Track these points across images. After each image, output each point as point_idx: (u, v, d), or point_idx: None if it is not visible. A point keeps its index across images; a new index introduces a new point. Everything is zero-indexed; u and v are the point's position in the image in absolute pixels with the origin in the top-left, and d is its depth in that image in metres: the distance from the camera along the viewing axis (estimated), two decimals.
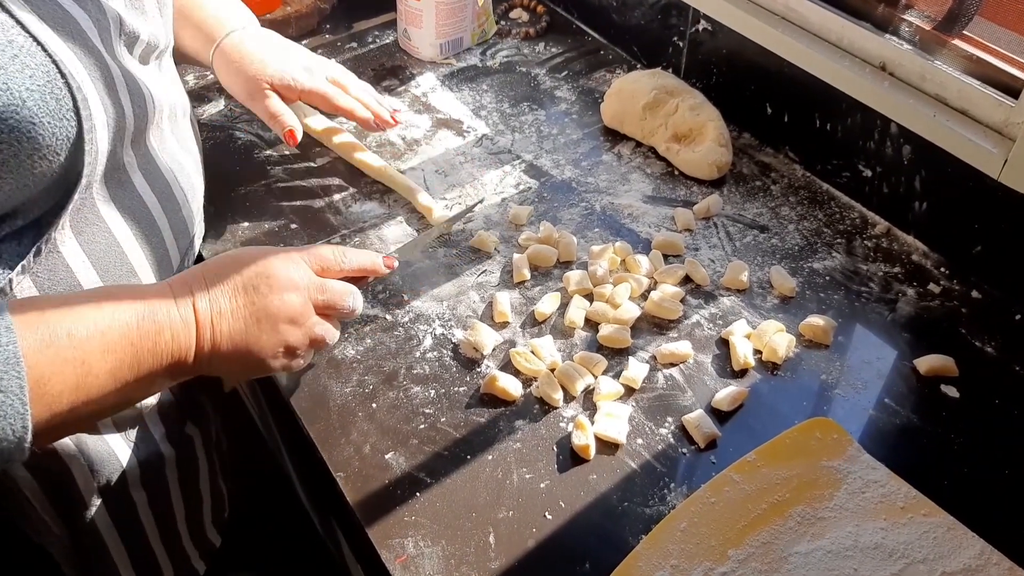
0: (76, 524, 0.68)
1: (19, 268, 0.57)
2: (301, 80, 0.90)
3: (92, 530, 0.69)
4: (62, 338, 0.52)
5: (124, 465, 0.71)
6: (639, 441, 0.72)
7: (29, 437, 0.49)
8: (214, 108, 1.09)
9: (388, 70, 1.17)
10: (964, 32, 0.87)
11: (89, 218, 0.62)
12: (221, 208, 0.93)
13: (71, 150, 0.56)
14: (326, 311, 0.67)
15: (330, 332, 0.68)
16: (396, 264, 0.74)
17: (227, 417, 0.95)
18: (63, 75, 0.55)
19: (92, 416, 0.55)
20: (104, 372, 0.54)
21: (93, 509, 0.69)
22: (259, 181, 0.98)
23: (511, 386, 0.75)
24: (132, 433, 0.72)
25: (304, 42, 1.22)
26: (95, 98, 0.58)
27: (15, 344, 0.48)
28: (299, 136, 0.88)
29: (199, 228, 0.80)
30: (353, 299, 0.69)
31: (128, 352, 0.55)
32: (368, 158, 0.98)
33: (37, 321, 0.51)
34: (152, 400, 0.74)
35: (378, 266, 0.72)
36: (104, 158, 0.61)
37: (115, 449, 0.70)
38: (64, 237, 0.60)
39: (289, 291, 0.64)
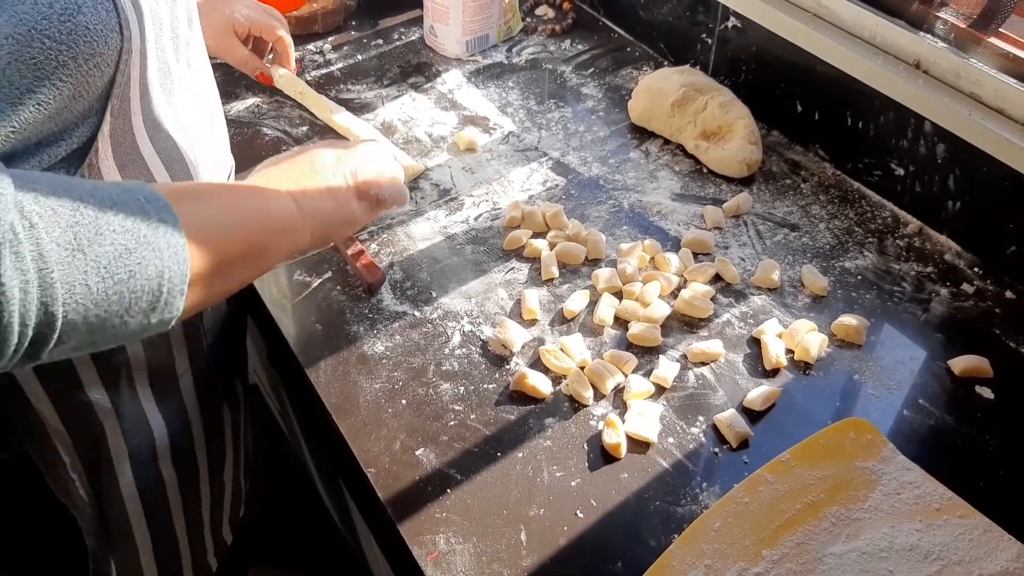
0: (103, 490, 0.68)
1: None
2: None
3: (118, 500, 0.70)
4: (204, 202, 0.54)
5: (156, 435, 0.71)
6: (670, 440, 0.72)
7: (186, 286, 0.49)
8: (241, 104, 1.09)
9: (414, 67, 1.17)
10: (1000, 30, 0.86)
11: (130, 154, 0.63)
12: None
13: (117, 66, 0.58)
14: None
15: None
16: None
17: (250, 414, 0.95)
18: None
19: (236, 280, 0.57)
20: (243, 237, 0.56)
21: (122, 478, 0.69)
22: None
23: (541, 384, 0.74)
24: (168, 403, 0.72)
25: (330, 39, 1.22)
26: (134, 22, 0.58)
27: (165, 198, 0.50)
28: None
29: (231, 165, 0.82)
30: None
31: (254, 216, 0.58)
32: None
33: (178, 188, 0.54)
34: (187, 367, 0.75)
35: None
36: (137, 85, 0.62)
37: (149, 416, 0.70)
38: (107, 168, 0.61)
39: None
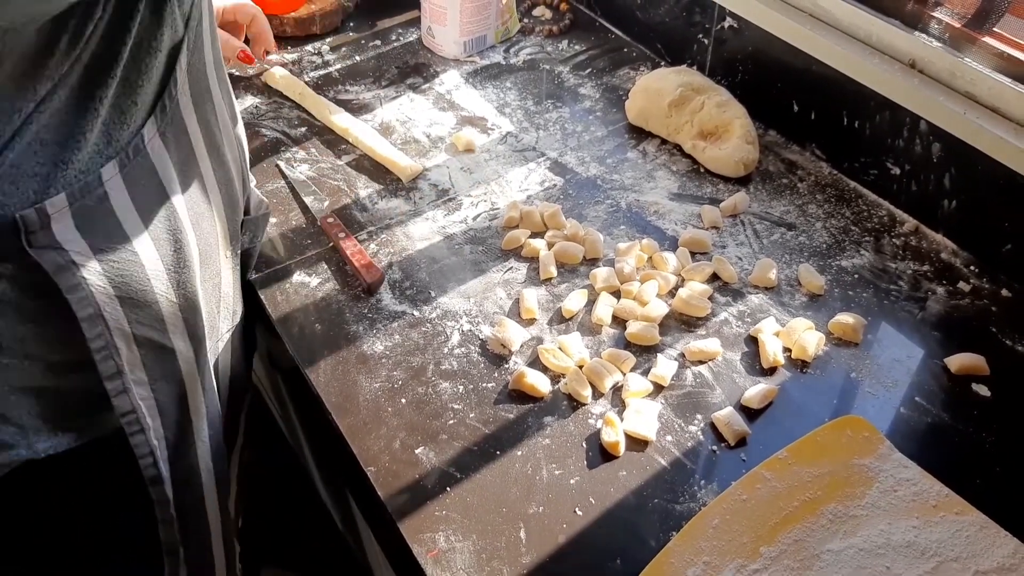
0: (181, 460, 0.68)
1: (117, 162, 0.58)
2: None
3: (195, 471, 0.70)
4: None
5: (223, 395, 0.73)
6: (668, 438, 0.72)
7: None
8: (240, 106, 1.09)
9: (412, 68, 1.18)
10: (994, 29, 0.86)
11: (177, 126, 0.64)
12: None
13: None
14: None
15: None
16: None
17: (250, 418, 0.95)
18: None
19: None
20: None
21: (199, 444, 0.70)
22: (284, 178, 0.98)
23: (539, 382, 0.75)
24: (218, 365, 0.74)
25: (328, 39, 1.22)
26: None
27: None
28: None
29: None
30: None
31: None
32: (340, 120, 1.05)
33: None
34: (229, 328, 0.77)
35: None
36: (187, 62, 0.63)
37: (217, 375, 0.72)
38: (154, 146, 0.61)
39: None
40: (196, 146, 0.67)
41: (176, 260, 0.65)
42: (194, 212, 0.67)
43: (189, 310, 0.67)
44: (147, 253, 0.61)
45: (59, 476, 0.64)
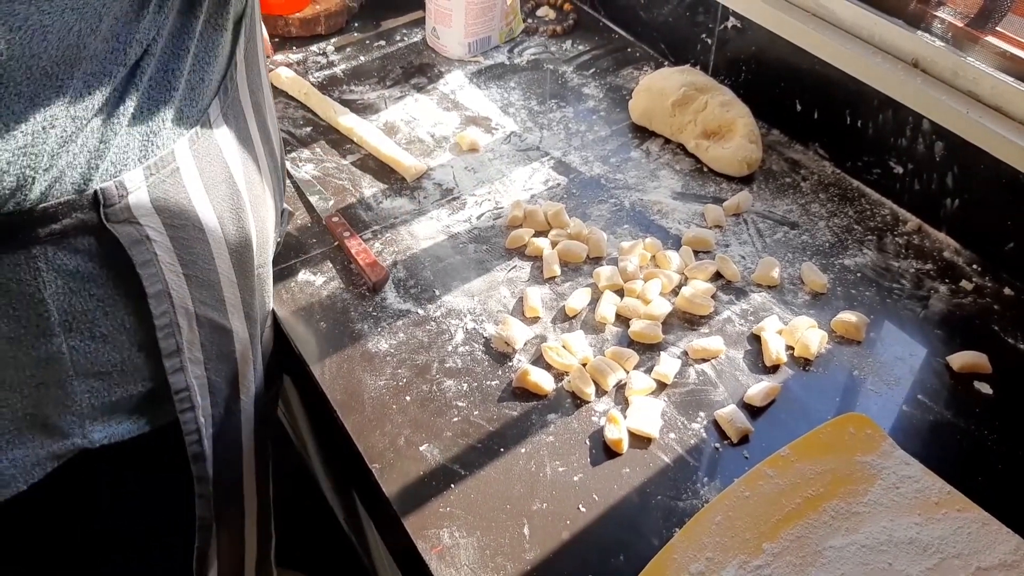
0: (224, 439, 0.69)
1: (188, 138, 0.59)
2: None
3: (235, 451, 0.71)
4: None
5: (265, 381, 0.74)
6: (672, 435, 0.72)
7: None
8: None
9: (416, 68, 1.18)
10: (997, 28, 0.86)
11: (236, 107, 0.65)
12: None
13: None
14: None
15: None
16: None
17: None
18: None
19: None
20: None
21: (244, 425, 0.71)
22: (289, 178, 0.99)
23: (543, 380, 0.75)
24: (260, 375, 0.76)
25: (333, 40, 1.23)
26: None
27: None
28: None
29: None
30: None
31: None
32: (346, 121, 1.05)
33: None
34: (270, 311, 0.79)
35: None
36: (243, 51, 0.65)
37: (265, 358, 0.73)
38: (219, 125, 0.63)
39: None
40: (251, 129, 0.68)
41: (239, 241, 0.66)
42: (252, 194, 0.69)
43: (248, 290, 0.68)
44: (213, 232, 0.63)
45: (111, 466, 0.65)
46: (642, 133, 1.07)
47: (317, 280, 0.86)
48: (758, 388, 0.75)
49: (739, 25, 1.07)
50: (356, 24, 1.27)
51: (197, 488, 0.67)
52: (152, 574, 0.71)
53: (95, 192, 0.54)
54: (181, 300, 0.61)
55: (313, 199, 0.95)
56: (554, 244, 0.90)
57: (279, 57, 1.18)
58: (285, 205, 0.86)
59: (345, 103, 1.10)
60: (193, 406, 0.64)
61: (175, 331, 0.61)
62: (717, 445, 0.72)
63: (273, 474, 0.90)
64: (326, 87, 1.13)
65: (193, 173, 0.60)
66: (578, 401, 0.75)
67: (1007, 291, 0.86)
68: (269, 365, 0.82)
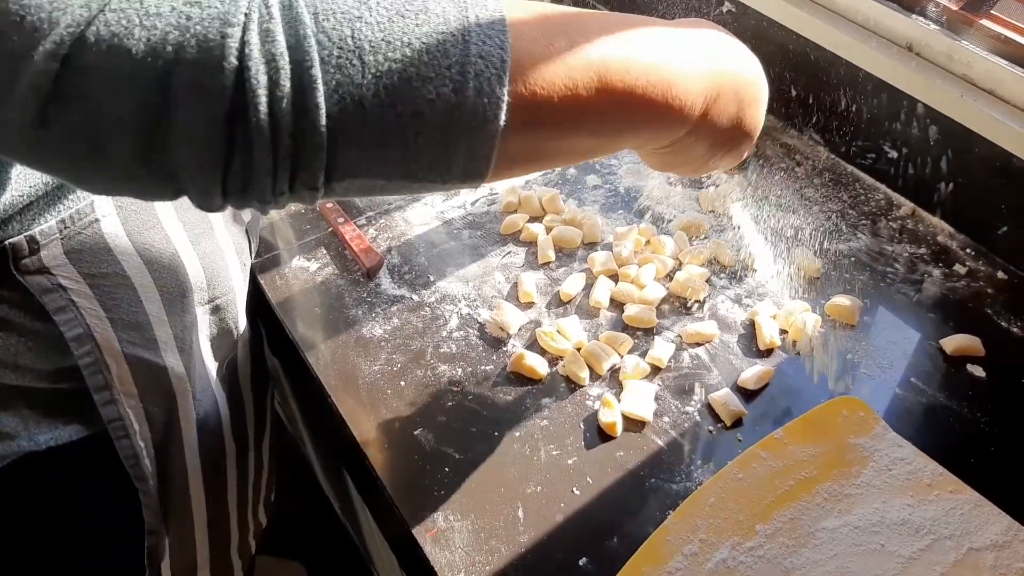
0: (168, 461, 0.68)
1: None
2: None
3: (181, 471, 0.70)
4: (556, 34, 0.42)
5: (219, 404, 0.72)
6: (665, 419, 0.73)
7: (498, 131, 0.38)
8: None
9: None
10: (991, 12, 0.86)
11: None
12: None
13: None
14: None
15: None
16: None
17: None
18: None
19: (554, 149, 0.44)
20: (589, 94, 0.42)
21: (187, 450, 0.70)
22: None
23: (538, 364, 0.75)
24: (226, 367, 0.74)
25: None
26: None
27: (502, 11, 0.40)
28: None
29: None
30: None
31: (628, 80, 0.43)
32: None
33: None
34: (246, 326, 0.76)
35: None
36: None
37: (212, 383, 0.71)
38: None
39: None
40: None
41: (172, 282, 0.65)
42: (195, 233, 0.68)
43: (184, 327, 0.67)
44: (139, 277, 0.62)
45: (59, 468, 0.65)
46: None
47: (311, 266, 0.86)
48: (751, 371, 0.75)
49: (734, 10, 1.06)
50: None
51: (143, 499, 0.66)
52: (106, 571, 0.71)
53: (4, 247, 0.53)
54: (107, 341, 0.60)
55: None
56: (549, 230, 0.90)
57: None
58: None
59: None
60: (128, 434, 0.63)
61: (102, 368, 0.60)
62: (711, 428, 0.72)
63: (269, 464, 0.91)
64: None
65: (115, 222, 0.59)
66: (572, 385, 0.75)
67: (1000, 275, 0.86)
68: (257, 369, 0.82)
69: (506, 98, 0.38)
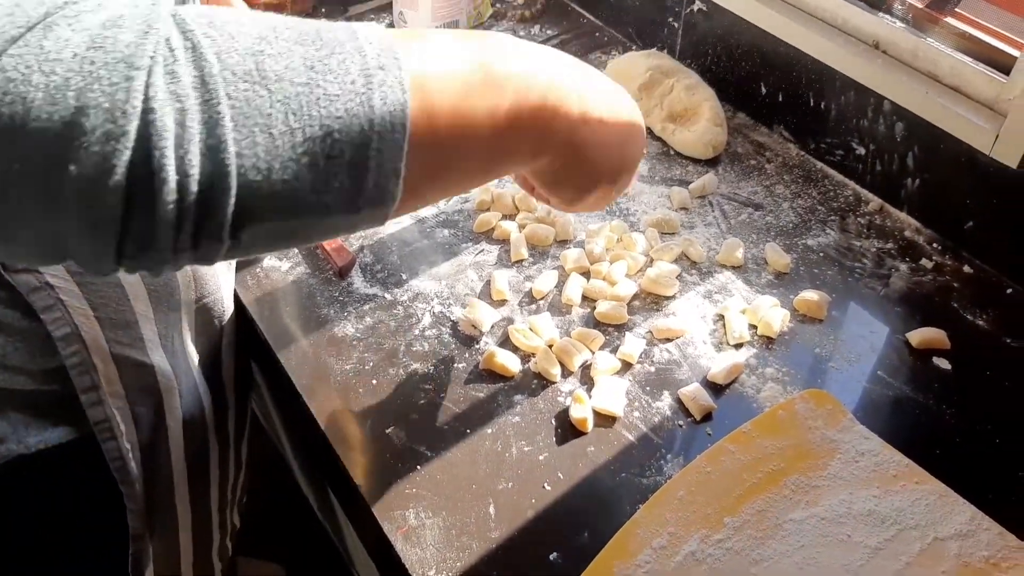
0: (153, 461, 0.68)
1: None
2: None
3: (166, 471, 0.70)
4: (447, 55, 0.44)
5: (204, 403, 0.72)
6: (636, 414, 0.73)
7: (405, 140, 0.39)
8: None
9: None
10: (956, 10, 0.87)
11: None
12: None
13: None
14: None
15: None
16: None
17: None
18: None
19: (458, 174, 0.46)
20: (483, 107, 0.44)
21: (173, 450, 0.70)
22: None
23: (509, 362, 0.75)
24: (210, 367, 0.74)
25: None
26: None
27: (390, 38, 0.41)
28: None
29: None
30: None
31: (510, 96, 0.45)
32: None
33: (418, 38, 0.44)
34: (232, 328, 0.77)
35: None
36: None
37: (198, 384, 0.71)
38: None
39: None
40: None
41: (160, 280, 0.65)
42: None
43: (170, 325, 0.67)
44: (127, 276, 0.61)
45: (48, 474, 0.64)
46: None
47: (283, 265, 0.86)
48: (721, 366, 0.76)
49: (705, 9, 1.07)
50: (323, 10, 1.26)
51: (127, 504, 0.66)
52: (90, 574, 0.71)
53: None
54: (94, 341, 0.60)
55: None
56: (522, 227, 0.90)
57: None
58: None
59: None
60: (115, 435, 0.63)
61: (89, 369, 0.60)
62: (681, 423, 0.73)
63: (246, 464, 0.90)
64: None
65: None
66: (544, 382, 0.76)
67: (967, 269, 0.87)
68: (240, 369, 0.82)
69: (410, 103, 0.38)
